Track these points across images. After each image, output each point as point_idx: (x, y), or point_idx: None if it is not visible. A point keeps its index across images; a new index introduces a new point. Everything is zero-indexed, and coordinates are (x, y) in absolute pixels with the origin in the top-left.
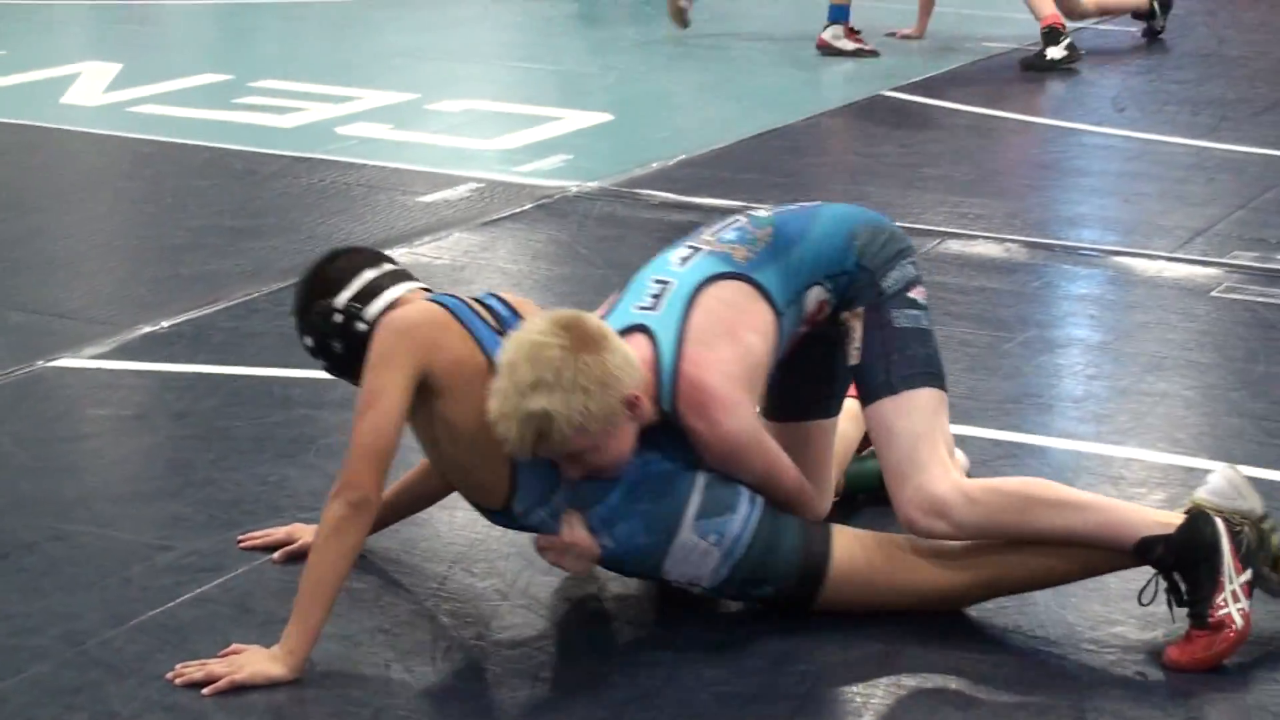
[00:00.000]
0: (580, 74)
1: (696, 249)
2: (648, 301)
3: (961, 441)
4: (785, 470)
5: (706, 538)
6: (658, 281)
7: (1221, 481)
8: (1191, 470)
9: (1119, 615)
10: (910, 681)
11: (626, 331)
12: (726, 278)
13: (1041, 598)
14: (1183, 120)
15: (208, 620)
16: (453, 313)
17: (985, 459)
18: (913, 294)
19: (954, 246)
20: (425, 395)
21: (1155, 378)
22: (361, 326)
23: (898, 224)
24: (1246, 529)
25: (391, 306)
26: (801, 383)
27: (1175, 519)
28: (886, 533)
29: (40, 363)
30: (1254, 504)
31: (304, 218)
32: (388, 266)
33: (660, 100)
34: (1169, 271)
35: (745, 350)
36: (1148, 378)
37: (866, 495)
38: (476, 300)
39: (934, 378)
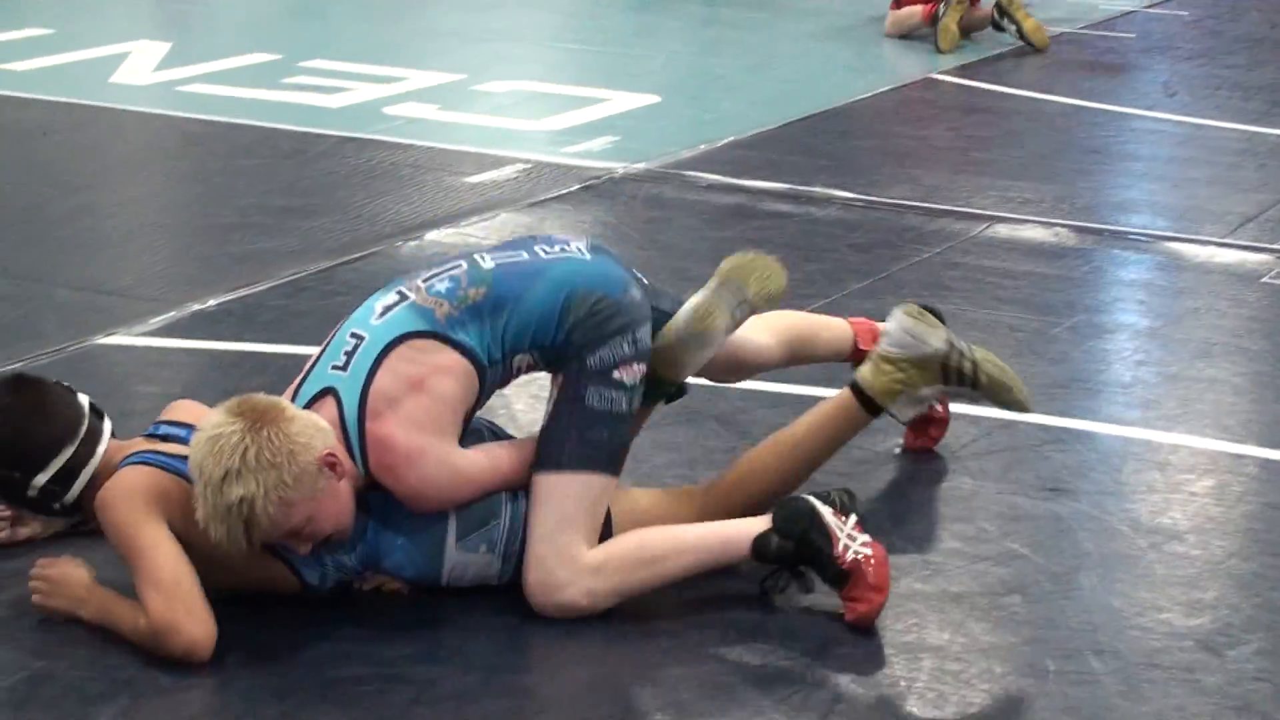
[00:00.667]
0: (628, 55)
1: (403, 297)
2: (341, 360)
3: (1009, 426)
4: (495, 477)
5: (478, 550)
6: (353, 336)
7: (898, 331)
8: (1240, 457)
9: (1165, 602)
10: (953, 666)
11: (319, 395)
12: (420, 336)
13: (1087, 582)
14: (1234, 105)
15: None
16: (150, 465)
17: (1032, 444)
18: (618, 374)
19: (1002, 231)
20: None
21: (1204, 364)
22: (56, 507)
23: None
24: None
25: (91, 481)
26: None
27: (765, 521)
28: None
29: (90, 339)
30: (936, 342)
31: (351, 197)
32: (82, 431)
33: (708, 82)
34: (1219, 257)
35: (433, 398)
36: (1196, 364)
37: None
38: (154, 436)
39: (607, 464)
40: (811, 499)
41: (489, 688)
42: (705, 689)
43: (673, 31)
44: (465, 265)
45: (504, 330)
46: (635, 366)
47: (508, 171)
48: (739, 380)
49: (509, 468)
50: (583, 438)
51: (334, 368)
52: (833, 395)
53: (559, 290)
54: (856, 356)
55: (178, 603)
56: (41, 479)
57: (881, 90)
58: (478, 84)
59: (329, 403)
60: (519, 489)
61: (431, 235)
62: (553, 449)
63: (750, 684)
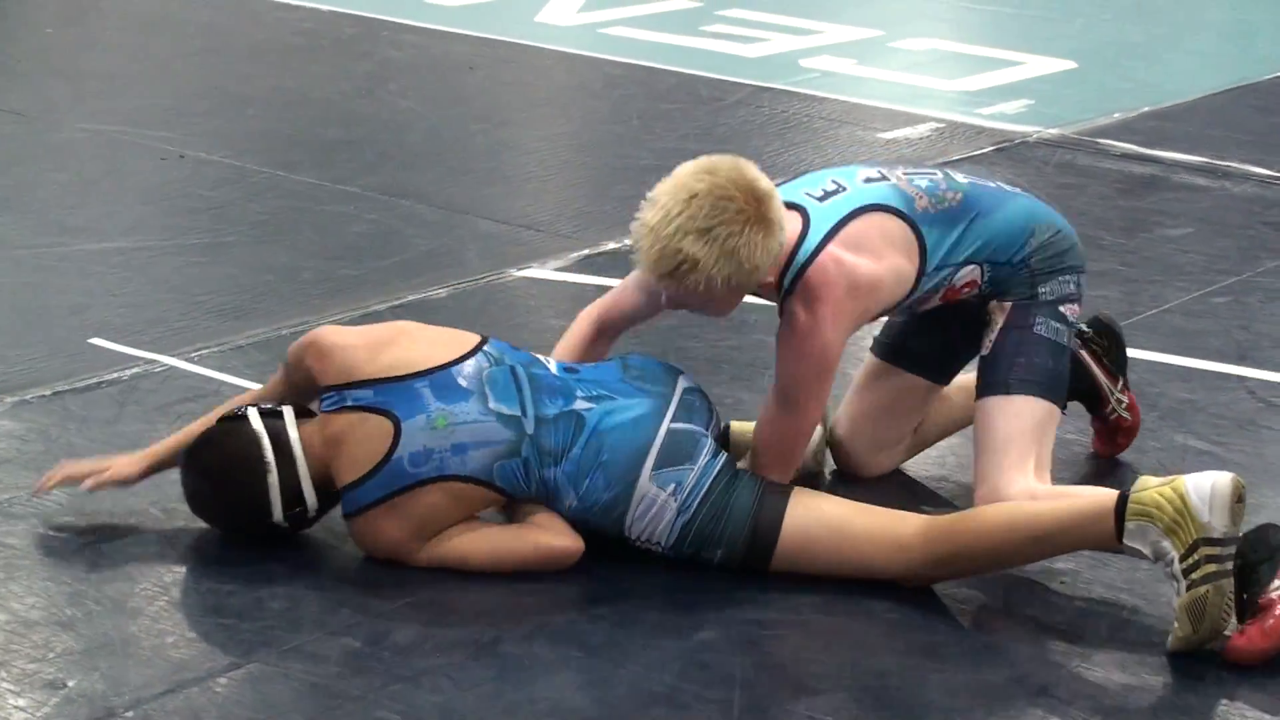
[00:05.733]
0: (1045, 18)
1: (884, 177)
2: (819, 193)
3: None
4: (816, 408)
5: (665, 488)
6: (835, 182)
7: (1207, 482)
8: None
9: None
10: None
11: (786, 206)
12: (896, 214)
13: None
14: None
15: None
16: (376, 503)
17: None
18: (1064, 309)
19: None
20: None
21: None
22: (311, 515)
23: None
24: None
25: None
26: (928, 337)
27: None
28: (849, 502)
29: (507, 271)
30: (1214, 521)
31: (766, 146)
32: (266, 452)
33: (1126, 49)
34: None
35: (879, 277)
36: None
37: None
38: (338, 410)
39: (1052, 391)
40: (1088, 360)
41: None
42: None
43: None
44: (941, 174)
45: (968, 237)
46: (1078, 308)
47: (921, 129)
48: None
49: (816, 415)
50: (1030, 364)
51: (808, 193)
52: (1087, 497)
53: (1026, 214)
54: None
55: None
56: (277, 513)
57: None
58: (894, 40)
59: (794, 216)
60: (781, 421)
61: None
62: (1000, 373)
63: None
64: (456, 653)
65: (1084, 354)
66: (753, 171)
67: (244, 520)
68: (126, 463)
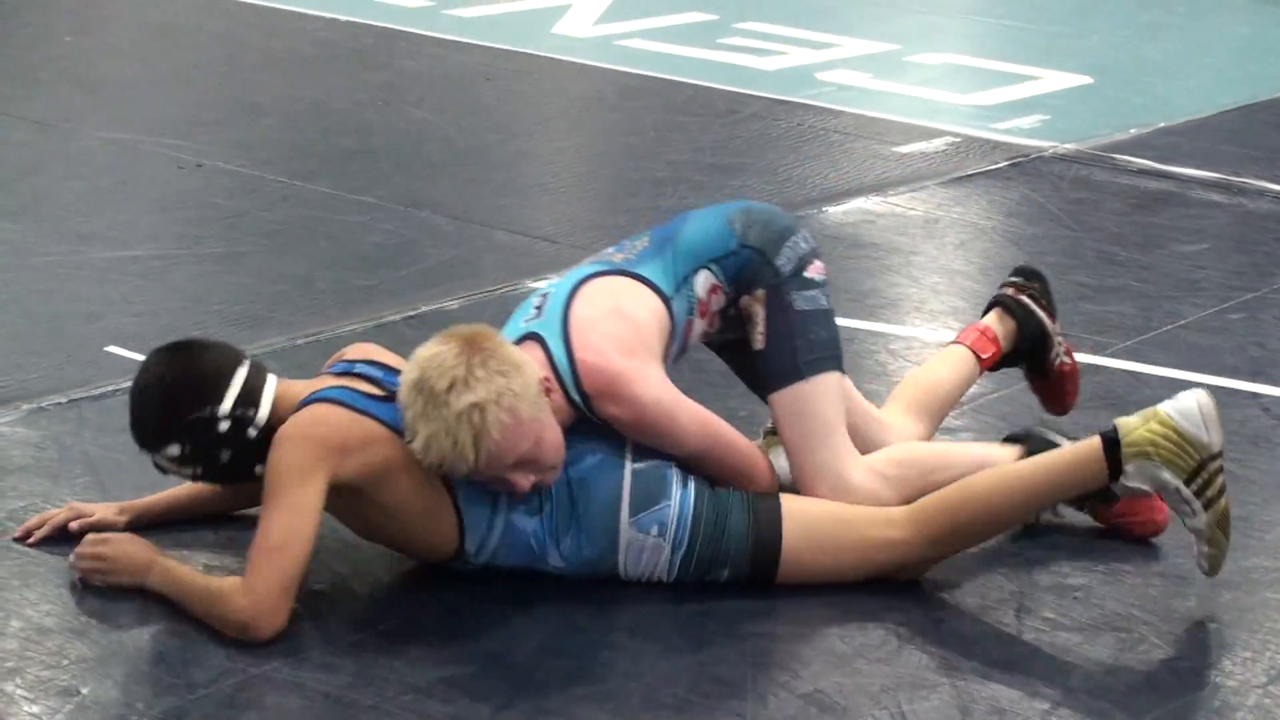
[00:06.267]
0: (1061, 34)
1: (575, 267)
2: (531, 314)
3: None
4: (724, 434)
5: (649, 532)
6: (539, 296)
7: (1192, 404)
8: None
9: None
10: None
11: (517, 342)
12: (602, 274)
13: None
14: None
15: None
16: (341, 404)
17: None
18: (809, 273)
19: None
20: (344, 494)
21: None
22: (252, 432)
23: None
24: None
25: (273, 416)
26: (745, 363)
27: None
28: (833, 502)
29: (522, 282)
30: (1213, 439)
31: (781, 160)
32: (248, 362)
33: (1141, 65)
34: None
35: (633, 323)
36: None
37: None
38: (348, 374)
39: (836, 360)
40: (1036, 310)
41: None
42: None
43: (1107, 12)
44: (620, 241)
45: (676, 254)
46: (818, 263)
47: (936, 144)
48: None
49: (736, 435)
50: (807, 341)
51: (526, 320)
52: (1068, 448)
53: (715, 213)
54: (987, 364)
55: (276, 587)
56: (228, 403)
57: None
58: (910, 55)
59: (531, 346)
60: (725, 464)
61: (858, 203)
62: (783, 362)
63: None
64: (469, 664)
65: (1024, 298)
66: (435, 335)
67: (183, 407)
68: (109, 510)
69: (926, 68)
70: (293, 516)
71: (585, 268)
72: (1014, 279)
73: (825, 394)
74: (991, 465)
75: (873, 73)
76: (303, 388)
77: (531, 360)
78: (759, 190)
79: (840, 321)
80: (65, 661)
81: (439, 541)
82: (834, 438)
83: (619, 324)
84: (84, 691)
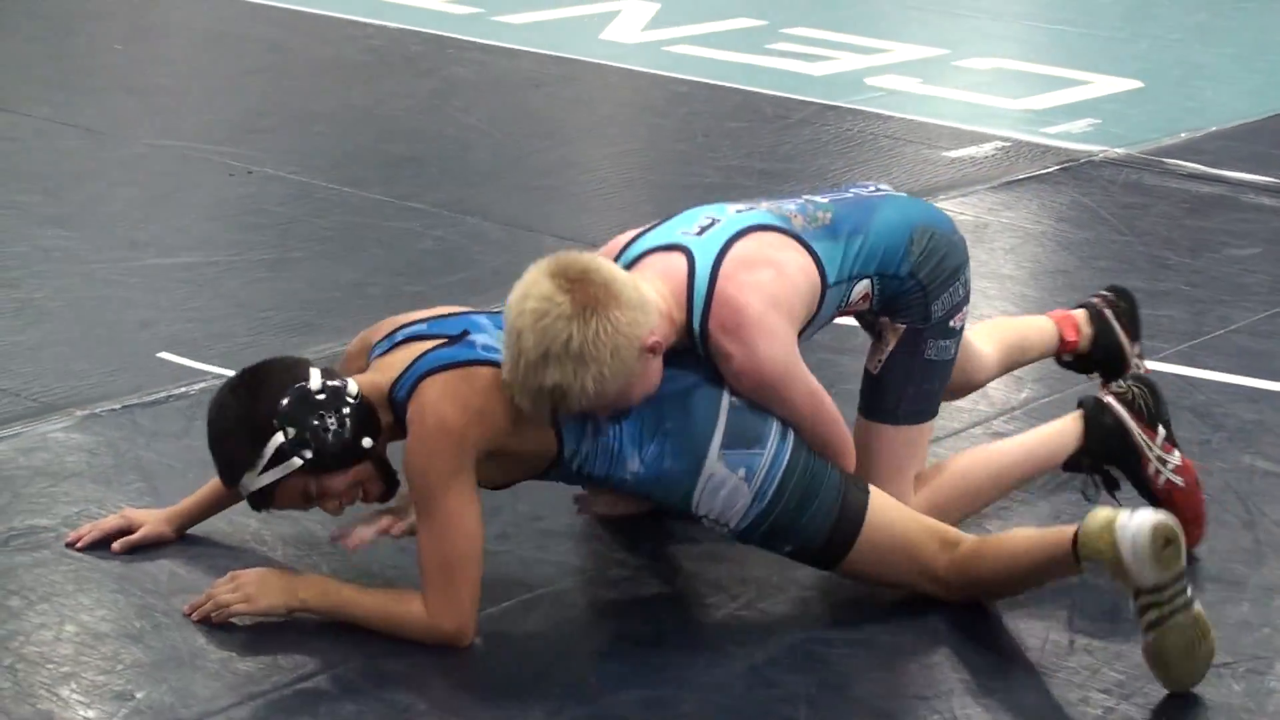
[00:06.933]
0: (1111, 38)
1: (754, 206)
2: (693, 229)
3: None
4: (828, 411)
5: (736, 471)
6: (708, 217)
7: (1145, 531)
8: None
9: None
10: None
11: (664, 249)
12: (779, 231)
13: None
14: None
15: None
16: (458, 365)
17: None
18: (953, 322)
19: None
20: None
21: None
22: (350, 400)
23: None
24: (1139, 400)
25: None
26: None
27: (1073, 428)
28: (911, 510)
29: None
30: (1145, 576)
31: (831, 165)
32: (311, 365)
33: (1192, 69)
34: None
35: (788, 281)
36: None
37: None
38: (413, 340)
39: (933, 410)
40: (1122, 411)
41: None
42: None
43: (1158, 16)
44: (802, 198)
45: (855, 253)
46: (965, 309)
47: (986, 149)
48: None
49: (839, 415)
50: (919, 391)
51: (684, 232)
52: (1056, 530)
53: (903, 220)
54: (1066, 349)
55: (465, 601)
56: (315, 378)
57: None
58: (960, 59)
59: (676, 256)
60: (814, 441)
61: None
62: (888, 399)
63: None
64: (521, 669)
65: (1108, 311)
66: (559, 262)
67: (272, 396)
68: (159, 521)
69: (976, 72)
70: (456, 524)
71: (764, 214)
72: (1104, 292)
73: (909, 444)
74: (1045, 458)
75: (922, 77)
76: (379, 374)
77: (642, 318)
78: None
79: None
80: (119, 666)
81: (540, 459)
82: (897, 484)
83: (776, 279)
84: (138, 696)
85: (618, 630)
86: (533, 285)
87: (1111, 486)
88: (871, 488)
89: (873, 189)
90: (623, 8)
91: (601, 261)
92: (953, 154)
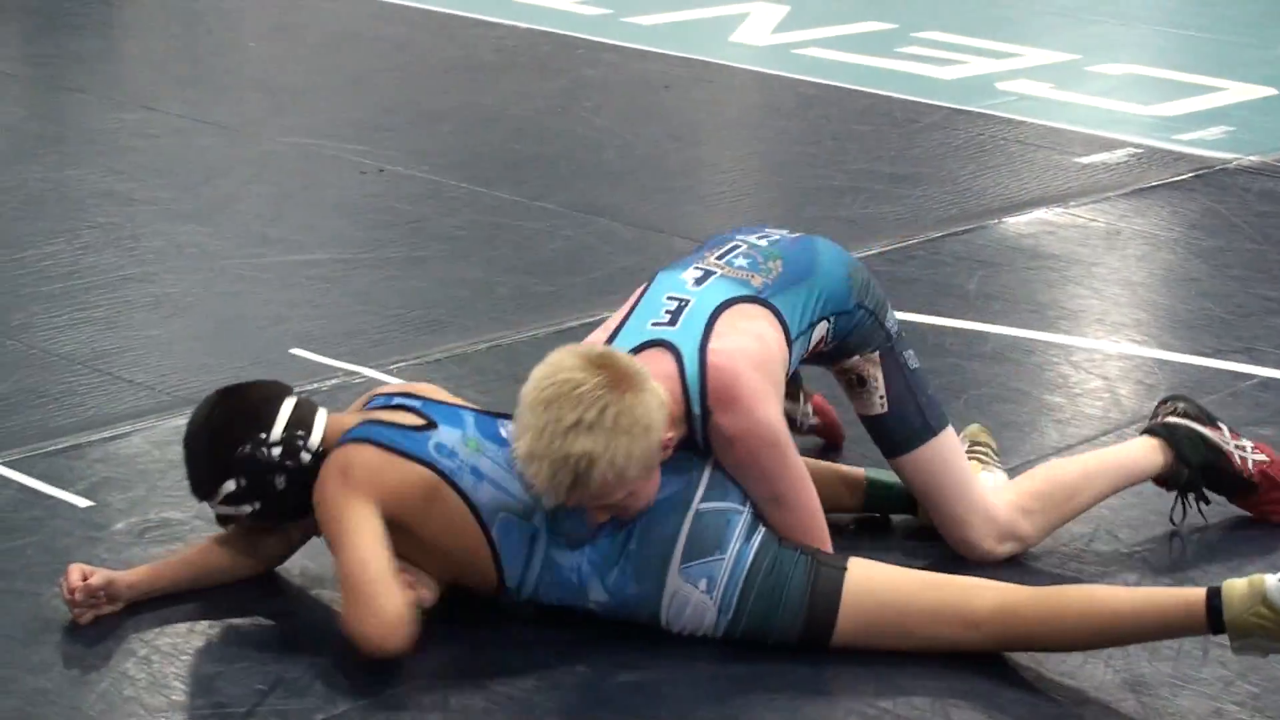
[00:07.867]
0: (1244, 44)
1: (710, 272)
2: (664, 318)
3: None
4: (806, 485)
5: (698, 584)
6: (672, 299)
7: None
8: None
9: None
10: None
11: (643, 347)
12: (746, 301)
13: None
14: None
15: None
16: (371, 443)
17: None
18: (905, 334)
19: None
20: (390, 528)
21: None
22: (306, 457)
23: None
24: (1189, 409)
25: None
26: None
27: (1154, 444)
28: (913, 574)
29: None
30: None
31: (960, 170)
32: (296, 395)
33: None
34: None
35: (769, 350)
36: None
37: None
38: (386, 408)
39: (946, 415)
40: (1186, 422)
41: None
42: None
43: None
44: (743, 245)
45: (810, 298)
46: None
47: (1118, 155)
48: None
49: (810, 483)
50: (928, 398)
51: (655, 324)
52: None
53: (836, 257)
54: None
55: (365, 605)
56: (278, 429)
57: None
58: (1092, 65)
59: (660, 353)
60: (792, 514)
61: (1039, 214)
62: (913, 421)
63: None
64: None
65: (1216, 433)
66: (583, 346)
67: (234, 437)
68: (120, 584)
69: (1108, 78)
70: (357, 539)
71: (725, 284)
72: (1175, 406)
73: (953, 444)
74: (1133, 470)
75: (1054, 83)
76: (352, 420)
77: (660, 413)
78: (939, 200)
79: (1021, 333)
80: (254, 660)
81: (480, 578)
82: (973, 483)
83: (761, 349)
84: (276, 688)
85: (610, 663)
86: (560, 365)
87: (1202, 499)
88: (853, 567)
89: (785, 231)
90: (752, 10)
91: (626, 354)
92: (1084, 160)
